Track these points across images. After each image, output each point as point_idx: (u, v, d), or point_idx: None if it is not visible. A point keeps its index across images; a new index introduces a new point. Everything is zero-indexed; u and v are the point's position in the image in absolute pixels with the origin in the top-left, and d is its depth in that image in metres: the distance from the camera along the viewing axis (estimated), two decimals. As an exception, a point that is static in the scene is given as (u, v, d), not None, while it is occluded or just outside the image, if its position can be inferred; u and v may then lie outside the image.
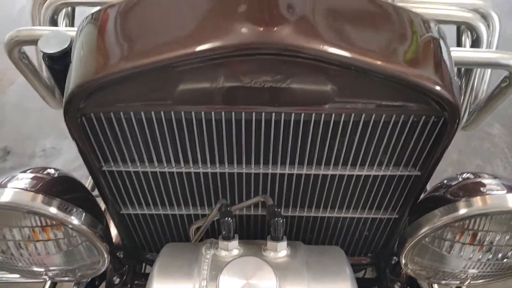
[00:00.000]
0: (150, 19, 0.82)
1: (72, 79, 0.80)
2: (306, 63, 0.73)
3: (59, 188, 0.94)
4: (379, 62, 0.74)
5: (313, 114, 0.82)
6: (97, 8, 1.61)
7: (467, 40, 1.51)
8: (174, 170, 0.94)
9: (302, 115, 0.82)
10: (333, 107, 0.80)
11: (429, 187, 1.32)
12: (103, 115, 0.82)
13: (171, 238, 1.17)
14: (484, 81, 1.44)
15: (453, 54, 1.23)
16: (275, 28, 0.71)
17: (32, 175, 0.94)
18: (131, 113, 0.82)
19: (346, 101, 0.80)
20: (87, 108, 0.81)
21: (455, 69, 1.49)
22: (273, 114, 0.82)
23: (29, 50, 1.21)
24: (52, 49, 0.91)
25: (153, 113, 0.82)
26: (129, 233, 1.14)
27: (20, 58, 1.31)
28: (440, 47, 0.84)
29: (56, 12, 1.43)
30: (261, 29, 0.70)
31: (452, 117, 0.81)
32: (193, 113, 0.82)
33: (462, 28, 1.49)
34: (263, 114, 0.82)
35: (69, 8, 1.51)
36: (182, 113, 0.82)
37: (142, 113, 0.82)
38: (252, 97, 0.78)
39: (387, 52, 0.77)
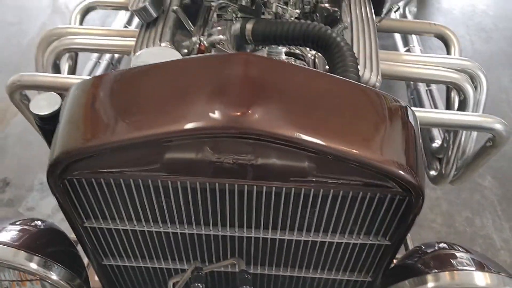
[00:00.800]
0: (138, 92, 0.86)
1: (58, 143, 0.85)
2: (275, 146, 0.77)
3: (42, 241, 0.98)
4: (354, 151, 0.77)
5: (283, 188, 0.86)
6: (96, 54, 1.69)
7: (455, 98, 1.54)
8: (153, 229, 0.98)
9: (273, 188, 0.86)
10: (302, 182, 0.84)
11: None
12: (85, 180, 0.87)
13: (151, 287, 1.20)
14: (472, 138, 1.47)
15: (438, 117, 1.27)
16: (249, 112, 0.74)
17: (20, 227, 0.99)
18: (111, 179, 0.86)
19: (314, 178, 0.84)
20: (70, 173, 0.86)
21: (439, 134, 1.54)
22: (245, 186, 0.86)
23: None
24: (42, 111, 0.96)
25: (131, 180, 0.86)
26: (111, 282, 1.17)
27: (21, 100, 1.37)
28: (408, 128, 0.88)
29: (58, 57, 1.48)
30: (236, 113, 0.74)
31: (416, 197, 0.84)
32: (169, 182, 0.86)
33: (451, 87, 1.52)
34: (236, 185, 0.86)
35: (72, 52, 1.57)
36: (159, 181, 0.86)
37: (121, 180, 0.86)
38: (225, 171, 0.82)
39: (357, 138, 0.81)
